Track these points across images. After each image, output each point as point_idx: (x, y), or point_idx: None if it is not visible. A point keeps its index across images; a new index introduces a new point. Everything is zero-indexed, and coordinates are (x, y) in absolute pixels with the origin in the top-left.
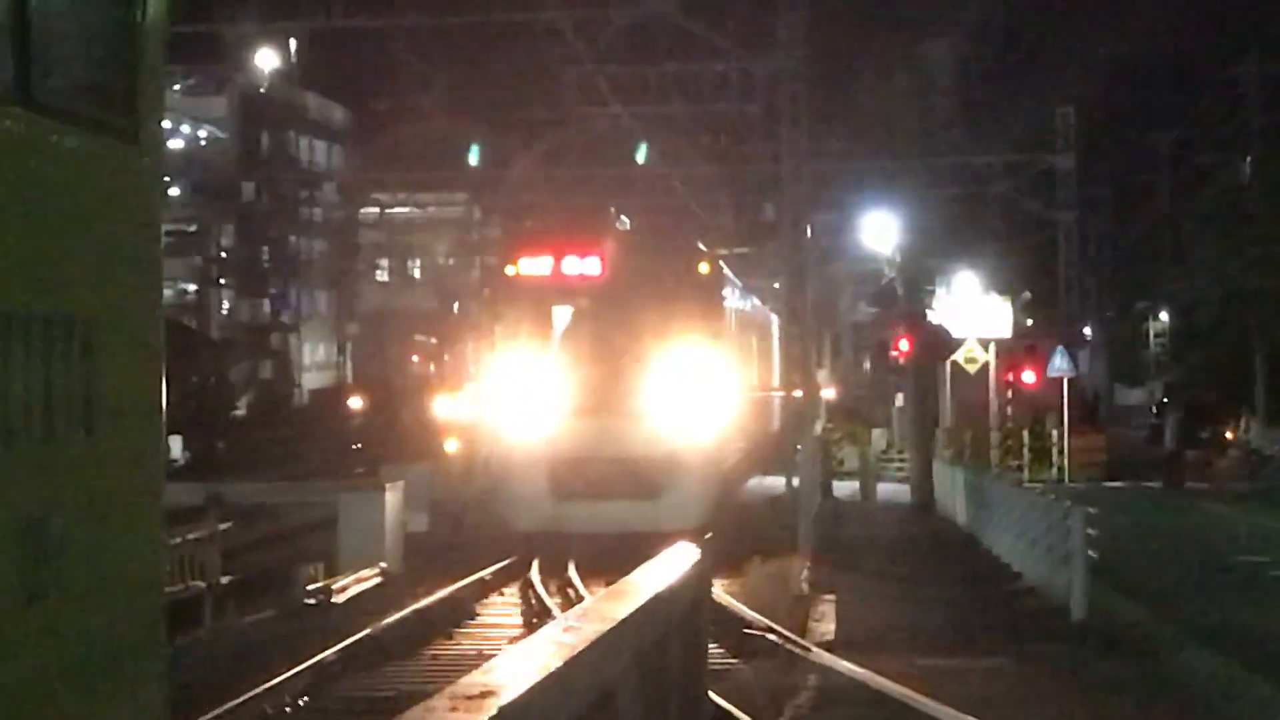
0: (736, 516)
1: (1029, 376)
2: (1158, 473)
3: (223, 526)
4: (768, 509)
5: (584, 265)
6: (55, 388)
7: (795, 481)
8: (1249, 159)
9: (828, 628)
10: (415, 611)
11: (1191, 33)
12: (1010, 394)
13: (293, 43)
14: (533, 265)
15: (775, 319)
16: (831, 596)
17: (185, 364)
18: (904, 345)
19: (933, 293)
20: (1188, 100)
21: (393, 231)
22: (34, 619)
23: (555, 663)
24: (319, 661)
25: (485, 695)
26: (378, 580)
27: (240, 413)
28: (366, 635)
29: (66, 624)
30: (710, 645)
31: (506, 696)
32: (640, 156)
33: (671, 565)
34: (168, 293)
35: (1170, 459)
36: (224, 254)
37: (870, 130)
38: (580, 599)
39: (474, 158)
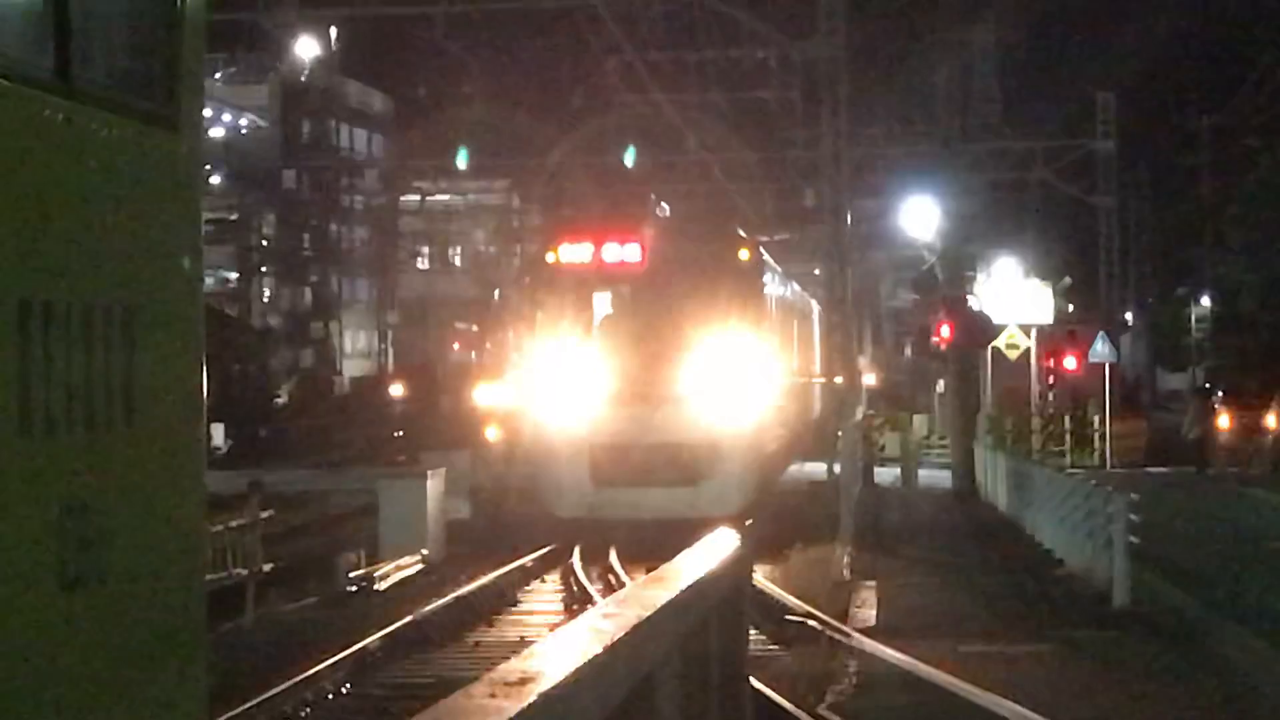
0: (777, 503)
1: (1070, 362)
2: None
3: (264, 514)
4: (809, 495)
5: (624, 252)
6: (95, 376)
7: (836, 468)
8: None
9: (869, 614)
10: (457, 598)
11: (1231, 15)
12: (1051, 380)
13: (333, 30)
14: (573, 252)
15: (816, 305)
16: (873, 582)
17: (227, 352)
18: (945, 332)
19: (973, 279)
20: (1229, 84)
21: (433, 219)
22: (74, 607)
23: (595, 649)
24: (361, 649)
25: (525, 682)
26: (419, 567)
27: (281, 401)
28: (408, 622)
29: (107, 612)
30: (751, 632)
31: (546, 683)
32: (629, 159)
33: (712, 551)
34: (209, 281)
35: (1196, 444)
36: (265, 242)
37: (910, 116)
38: (621, 585)
39: (462, 161)
